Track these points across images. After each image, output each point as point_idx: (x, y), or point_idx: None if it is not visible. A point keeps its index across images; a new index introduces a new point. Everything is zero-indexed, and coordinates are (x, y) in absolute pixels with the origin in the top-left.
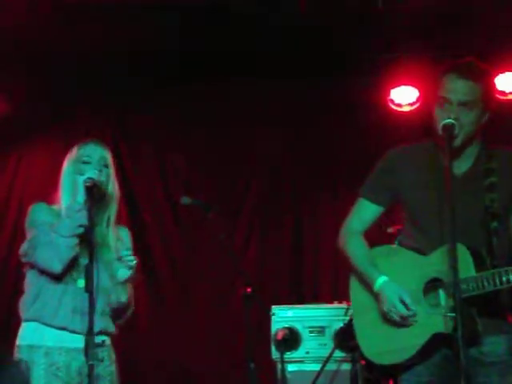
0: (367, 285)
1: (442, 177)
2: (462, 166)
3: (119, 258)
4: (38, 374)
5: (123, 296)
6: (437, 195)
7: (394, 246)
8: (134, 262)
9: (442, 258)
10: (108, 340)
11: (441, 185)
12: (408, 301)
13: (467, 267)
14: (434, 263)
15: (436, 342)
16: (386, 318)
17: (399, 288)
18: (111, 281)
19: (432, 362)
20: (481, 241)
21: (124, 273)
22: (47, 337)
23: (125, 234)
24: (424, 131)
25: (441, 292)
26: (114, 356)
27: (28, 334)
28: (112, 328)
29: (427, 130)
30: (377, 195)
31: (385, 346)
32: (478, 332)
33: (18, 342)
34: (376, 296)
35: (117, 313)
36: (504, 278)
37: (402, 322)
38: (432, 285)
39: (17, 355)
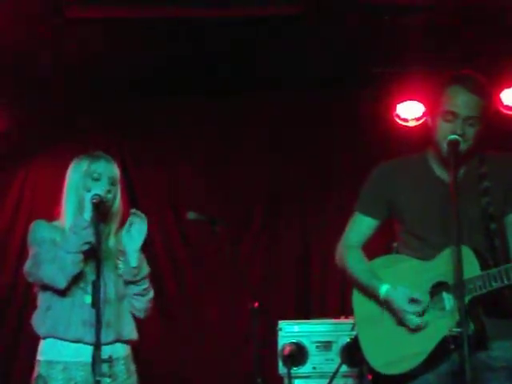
0: (371, 296)
1: (436, 186)
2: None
3: (133, 213)
4: None
5: (133, 262)
6: (433, 204)
7: (395, 255)
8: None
9: (446, 261)
10: (126, 351)
11: (436, 194)
12: (417, 296)
13: (472, 267)
14: (438, 267)
15: (445, 347)
16: (394, 327)
17: (404, 289)
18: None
19: (440, 371)
20: (482, 243)
21: (139, 230)
22: (64, 352)
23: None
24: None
25: (444, 295)
26: (132, 368)
27: (46, 350)
28: (130, 335)
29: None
30: (372, 209)
31: (392, 355)
32: (486, 335)
33: (38, 357)
34: (383, 306)
35: (130, 282)
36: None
37: (419, 323)
38: (437, 289)
39: (37, 370)
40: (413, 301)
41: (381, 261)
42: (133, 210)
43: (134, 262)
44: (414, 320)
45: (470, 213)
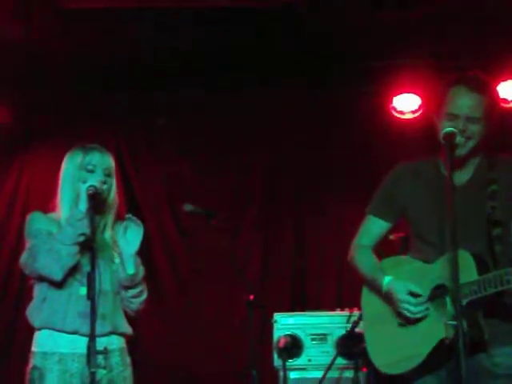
0: (377, 292)
1: (443, 188)
2: (463, 177)
3: (128, 218)
4: (52, 381)
5: (130, 269)
6: (439, 206)
7: (402, 256)
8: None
9: (445, 264)
10: (121, 343)
11: (442, 196)
12: (416, 289)
13: (470, 272)
14: (438, 270)
15: (444, 350)
16: (396, 328)
17: (405, 283)
18: (113, 265)
19: (441, 374)
20: (483, 248)
21: (135, 234)
22: (60, 343)
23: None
24: (426, 139)
25: (447, 298)
26: (128, 360)
27: (42, 341)
28: (124, 328)
29: (430, 138)
30: (384, 211)
31: (394, 355)
32: (484, 338)
33: (32, 348)
34: (386, 299)
35: (127, 287)
36: (506, 278)
37: (418, 313)
38: (439, 291)
39: (32, 361)
40: (412, 294)
41: (387, 262)
42: (128, 215)
43: (131, 269)
44: (411, 309)
45: (475, 217)
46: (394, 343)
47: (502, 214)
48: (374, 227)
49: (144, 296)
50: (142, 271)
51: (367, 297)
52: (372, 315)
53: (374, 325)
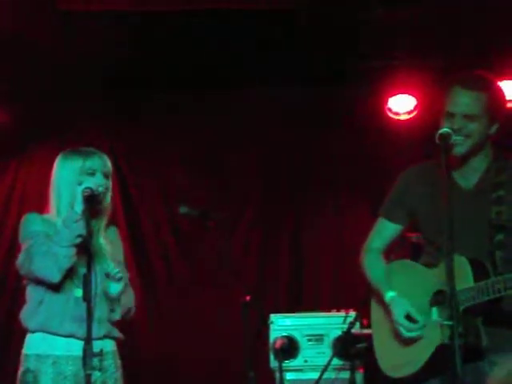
0: (381, 299)
1: (451, 191)
2: (470, 179)
3: (107, 275)
4: (46, 383)
5: (117, 313)
6: (445, 210)
7: (407, 260)
8: (121, 274)
9: (444, 269)
10: (113, 346)
11: (452, 200)
12: (415, 314)
13: (466, 278)
14: (438, 275)
15: (444, 354)
16: (397, 333)
17: (406, 303)
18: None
19: (445, 378)
20: (484, 254)
21: (116, 288)
22: (55, 346)
23: (113, 234)
24: (422, 139)
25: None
26: (119, 362)
27: (35, 344)
28: (117, 333)
29: (425, 138)
30: (395, 214)
31: (397, 359)
32: (481, 344)
33: (24, 351)
34: (387, 311)
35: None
36: (497, 287)
37: (411, 337)
38: (440, 297)
39: (24, 364)
40: (409, 317)
41: (393, 266)
42: (107, 273)
43: (118, 314)
44: (405, 334)
45: (479, 222)
46: (398, 347)
47: (508, 218)
48: (386, 230)
49: (132, 311)
50: (131, 297)
51: (375, 299)
52: (379, 318)
53: (381, 328)
